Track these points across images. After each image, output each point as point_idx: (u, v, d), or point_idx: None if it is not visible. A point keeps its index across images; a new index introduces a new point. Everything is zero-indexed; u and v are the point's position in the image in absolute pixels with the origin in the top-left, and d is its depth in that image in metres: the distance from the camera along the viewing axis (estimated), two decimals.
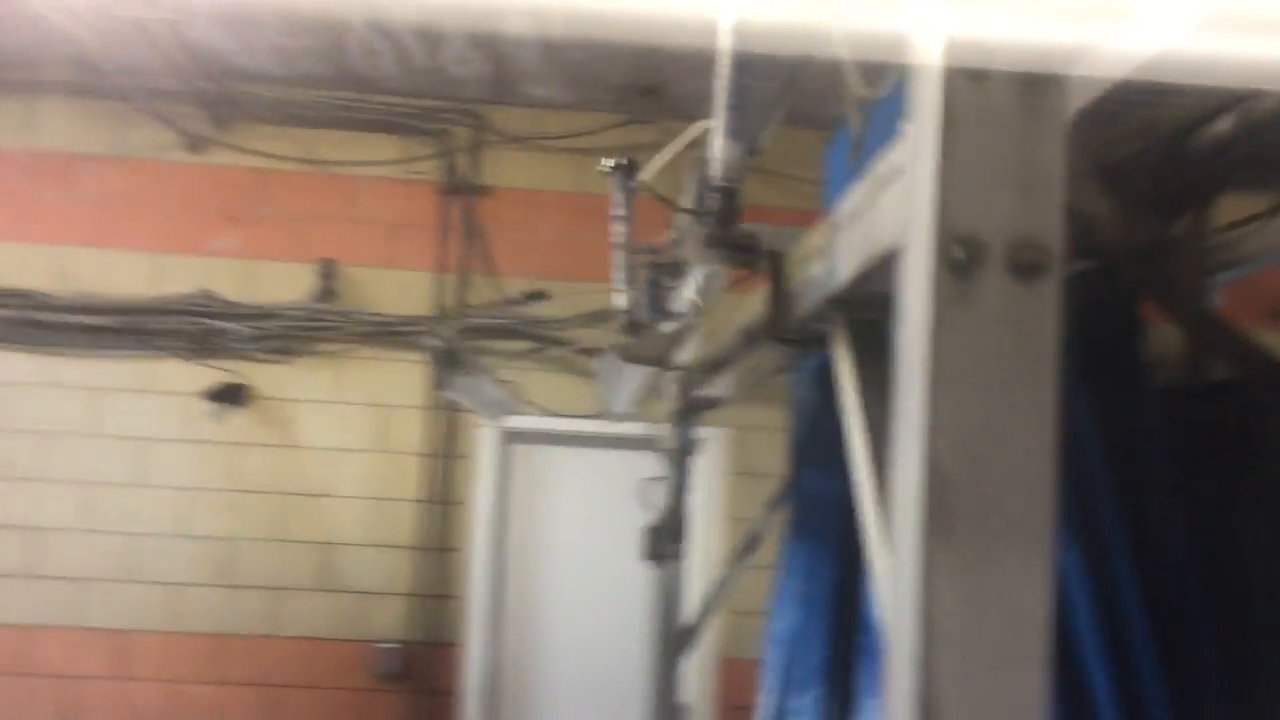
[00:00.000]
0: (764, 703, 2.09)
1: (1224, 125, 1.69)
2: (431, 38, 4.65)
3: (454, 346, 2.19)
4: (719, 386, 2.67)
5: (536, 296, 5.03)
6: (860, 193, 1.10)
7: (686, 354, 3.23)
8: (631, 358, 1.99)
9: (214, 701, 4.99)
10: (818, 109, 3.09)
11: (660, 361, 2.01)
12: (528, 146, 5.36)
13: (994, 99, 0.82)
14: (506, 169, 5.36)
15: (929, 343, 0.82)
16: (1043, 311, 0.82)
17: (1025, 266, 0.81)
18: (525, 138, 5.35)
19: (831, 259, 1.19)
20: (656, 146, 5.14)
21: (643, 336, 2.10)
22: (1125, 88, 1.56)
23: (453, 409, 5.05)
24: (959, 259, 0.81)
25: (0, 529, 5.00)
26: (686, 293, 2.10)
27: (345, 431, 5.15)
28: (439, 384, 2.36)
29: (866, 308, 1.21)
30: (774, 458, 5.04)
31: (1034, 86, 0.83)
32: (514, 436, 5.23)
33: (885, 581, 1.02)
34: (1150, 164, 1.76)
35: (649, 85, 5.08)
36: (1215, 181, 1.82)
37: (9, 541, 4.99)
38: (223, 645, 5.02)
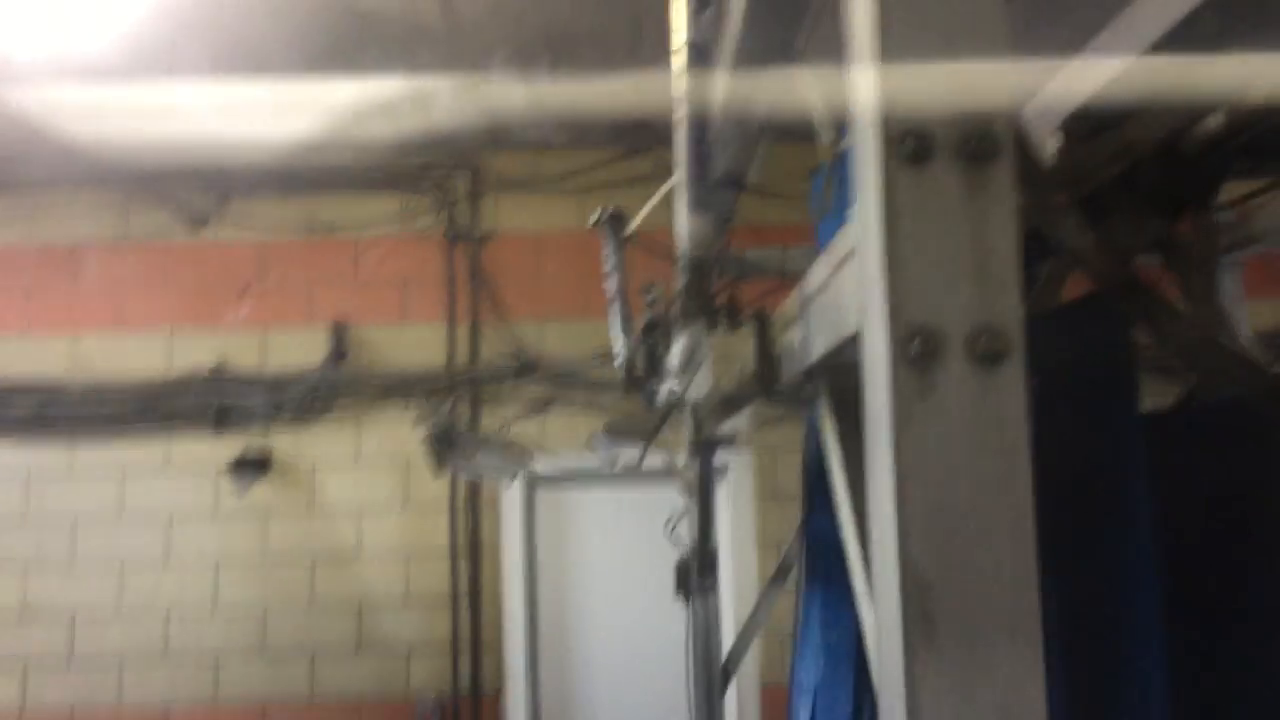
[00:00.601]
0: None
1: (1215, 122, 1.65)
2: (420, 93, 4.66)
3: (447, 427, 2.17)
4: (732, 424, 2.64)
5: (529, 369, 5.07)
6: (823, 269, 1.07)
7: (698, 390, 3.21)
8: (620, 436, 1.97)
9: None
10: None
11: (649, 437, 1.98)
12: (527, 189, 5.37)
13: (937, 183, 0.79)
14: (507, 214, 5.37)
15: (893, 438, 0.79)
16: (1008, 399, 0.79)
17: (986, 355, 0.78)
18: (523, 181, 5.36)
19: (805, 331, 1.16)
20: (654, 178, 5.20)
21: (630, 416, 2.08)
22: (1090, 115, 1.52)
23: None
24: (916, 354, 0.78)
25: (36, 616, 5.03)
26: (675, 354, 2.08)
27: (369, 490, 5.15)
28: (438, 468, 2.35)
29: (845, 375, 1.18)
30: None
31: (978, 164, 0.79)
32: (538, 481, 5.21)
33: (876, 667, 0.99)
34: (1141, 177, 1.72)
35: (641, 117, 5.08)
36: (1212, 177, 1.78)
37: (46, 628, 5.02)
38: (263, 713, 5.01)
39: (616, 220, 2.35)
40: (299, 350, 5.19)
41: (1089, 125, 1.61)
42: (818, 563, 2.09)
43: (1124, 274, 1.39)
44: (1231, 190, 1.91)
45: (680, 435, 3.53)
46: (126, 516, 5.08)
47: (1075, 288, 1.49)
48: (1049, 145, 1.47)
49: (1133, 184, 1.71)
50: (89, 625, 5.03)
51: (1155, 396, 2.20)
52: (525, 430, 4.34)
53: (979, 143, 0.79)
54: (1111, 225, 1.60)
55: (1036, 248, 1.52)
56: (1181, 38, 1.33)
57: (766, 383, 1.42)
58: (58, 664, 5.01)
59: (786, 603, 3.37)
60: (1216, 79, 1.44)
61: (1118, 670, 1.18)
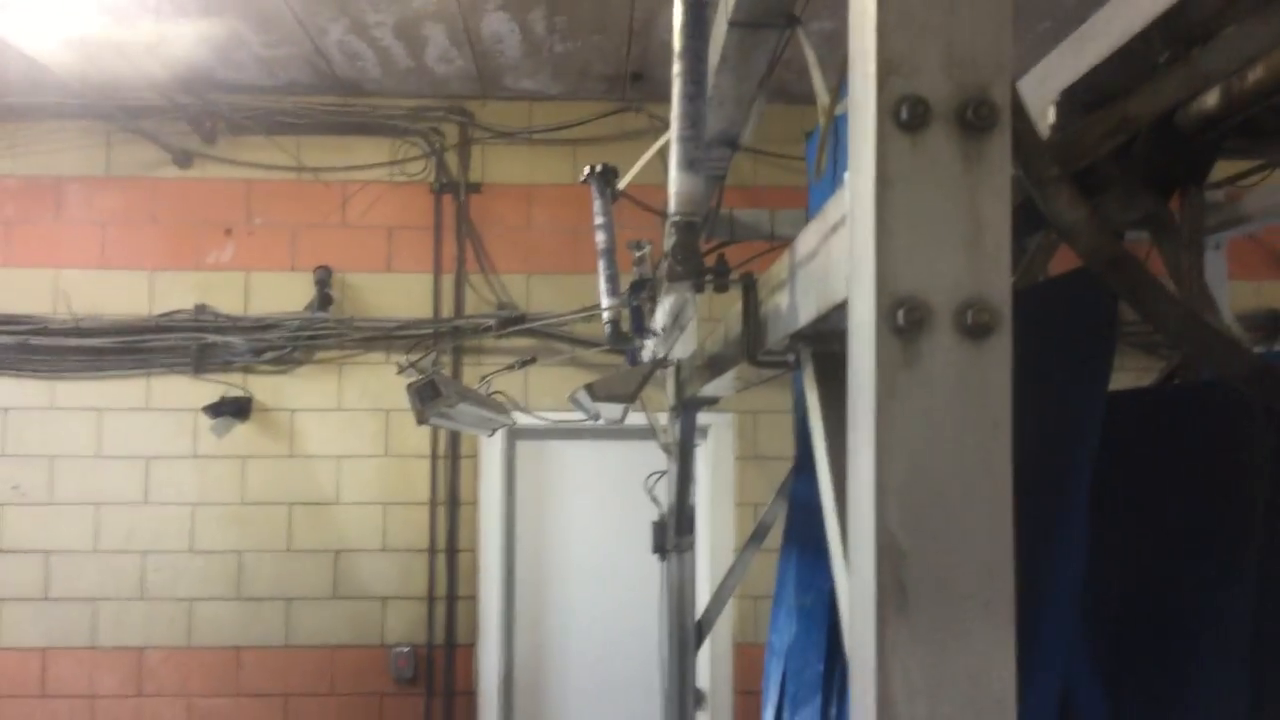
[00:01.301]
0: (765, 717, 2.07)
1: (1211, 100, 1.64)
2: (412, 38, 4.61)
3: (431, 378, 2.16)
4: (716, 387, 2.64)
5: (516, 320, 5.06)
6: (813, 234, 1.06)
7: (682, 350, 3.21)
8: (602, 396, 1.96)
9: (231, 714, 5.01)
10: (810, 85, 3.04)
11: (631, 398, 1.98)
12: (518, 140, 5.32)
13: (932, 153, 0.78)
14: (498, 164, 5.32)
15: (875, 409, 0.79)
16: (994, 373, 0.78)
17: (974, 327, 0.78)
18: (515, 132, 5.31)
19: (792, 295, 1.15)
20: (647, 133, 5.18)
21: (613, 375, 2.07)
22: (1089, 88, 1.51)
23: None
24: (902, 324, 0.77)
25: (12, 553, 5.02)
26: (661, 313, 2.07)
27: (349, 438, 5.14)
28: (420, 419, 2.34)
29: (830, 341, 1.18)
30: (782, 442, 5.04)
31: (975, 135, 0.79)
32: (519, 433, 5.21)
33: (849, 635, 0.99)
34: (1136, 154, 1.71)
35: (636, 71, 5.04)
36: (1206, 155, 1.77)
37: (22, 565, 5.01)
38: (237, 658, 5.03)
39: (607, 175, 2.32)
40: (282, 294, 5.15)
41: (1086, 99, 1.60)
42: (799, 524, 2.10)
43: (1115, 249, 1.38)
44: (1220, 170, 1.90)
45: (663, 394, 3.54)
46: (105, 455, 5.06)
47: (1064, 261, 1.48)
48: (1045, 116, 1.46)
49: (1127, 160, 1.70)
50: (64, 565, 5.02)
51: (1139, 373, 2.21)
52: (508, 383, 4.34)
53: (976, 112, 0.78)
54: (1104, 201, 1.59)
55: (1027, 219, 1.51)
56: (1183, 12, 1.31)
57: (751, 346, 1.42)
58: (32, 603, 5.01)
59: (762, 563, 3.41)
60: (1216, 55, 1.43)
61: (1040, 643, 1.18)
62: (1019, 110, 1.32)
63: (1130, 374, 2.00)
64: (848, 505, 0.85)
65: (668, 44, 4.86)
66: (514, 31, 4.56)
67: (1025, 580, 1.19)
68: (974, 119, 0.78)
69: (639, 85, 5.16)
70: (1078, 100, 1.60)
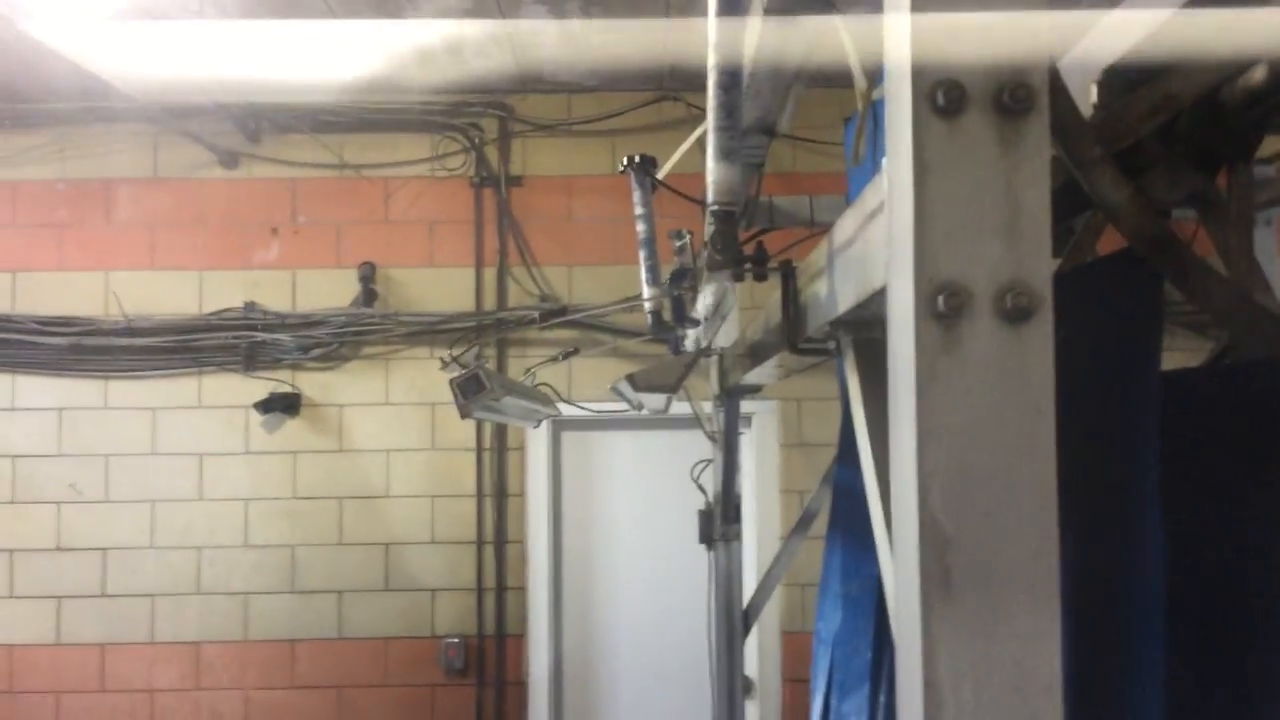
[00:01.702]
0: (813, 705, 2.07)
1: (1257, 75, 1.61)
2: (450, 34, 4.63)
3: (475, 372, 2.18)
4: (758, 375, 2.64)
5: (558, 312, 5.06)
6: (851, 221, 1.06)
7: (724, 339, 3.21)
8: (644, 387, 1.97)
9: (287, 705, 5.10)
10: (847, 69, 3.03)
11: (674, 389, 1.98)
12: (557, 133, 5.33)
13: (969, 138, 0.78)
14: (538, 157, 5.34)
15: (916, 394, 0.79)
16: (1035, 356, 0.78)
17: (1013, 311, 0.77)
18: (554, 124, 5.33)
19: (831, 282, 1.15)
20: (686, 122, 5.17)
21: (655, 365, 2.07)
22: (1130, 67, 1.49)
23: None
24: (942, 309, 0.77)
25: (71, 551, 5.14)
26: (702, 302, 2.08)
27: (397, 432, 5.19)
28: (464, 413, 2.35)
29: (871, 328, 1.17)
30: (826, 429, 5.02)
31: (1011, 119, 0.78)
32: (564, 424, 5.24)
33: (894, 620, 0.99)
34: (1180, 131, 1.68)
35: (674, 61, 5.03)
36: (1252, 131, 1.74)
37: (81, 563, 5.12)
38: (291, 651, 5.12)
39: (646, 165, 2.33)
40: (328, 291, 5.21)
41: (1129, 77, 1.58)
42: (843, 510, 2.09)
43: (1159, 229, 1.36)
44: (1270, 145, 1.87)
45: (706, 383, 3.54)
46: (158, 453, 5.16)
47: (1111, 242, 1.46)
48: (1087, 96, 1.44)
49: (1171, 138, 1.67)
50: (121, 561, 5.13)
51: (1188, 353, 2.18)
52: (552, 375, 4.36)
53: (1013, 96, 0.78)
54: (1148, 180, 1.57)
55: (1072, 200, 1.49)
56: None
57: (791, 334, 1.42)
58: (91, 600, 5.12)
59: (808, 551, 3.40)
60: (1260, 31, 1.40)
61: (1114, 638, 1.17)
62: (1060, 91, 1.31)
63: (1180, 355, 1.97)
64: (891, 491, 0.85)
65: (704, 33, 4.85)
66: (551, 24, 4.56)
67: (1105, 584, 1.17)
68: (1010, 103, 0.77)
69: (676, 74, 5.15)
70: (1121, 78, 1.58)
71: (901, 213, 0.80)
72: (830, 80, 4.50)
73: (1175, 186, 1.62)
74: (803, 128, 4.87)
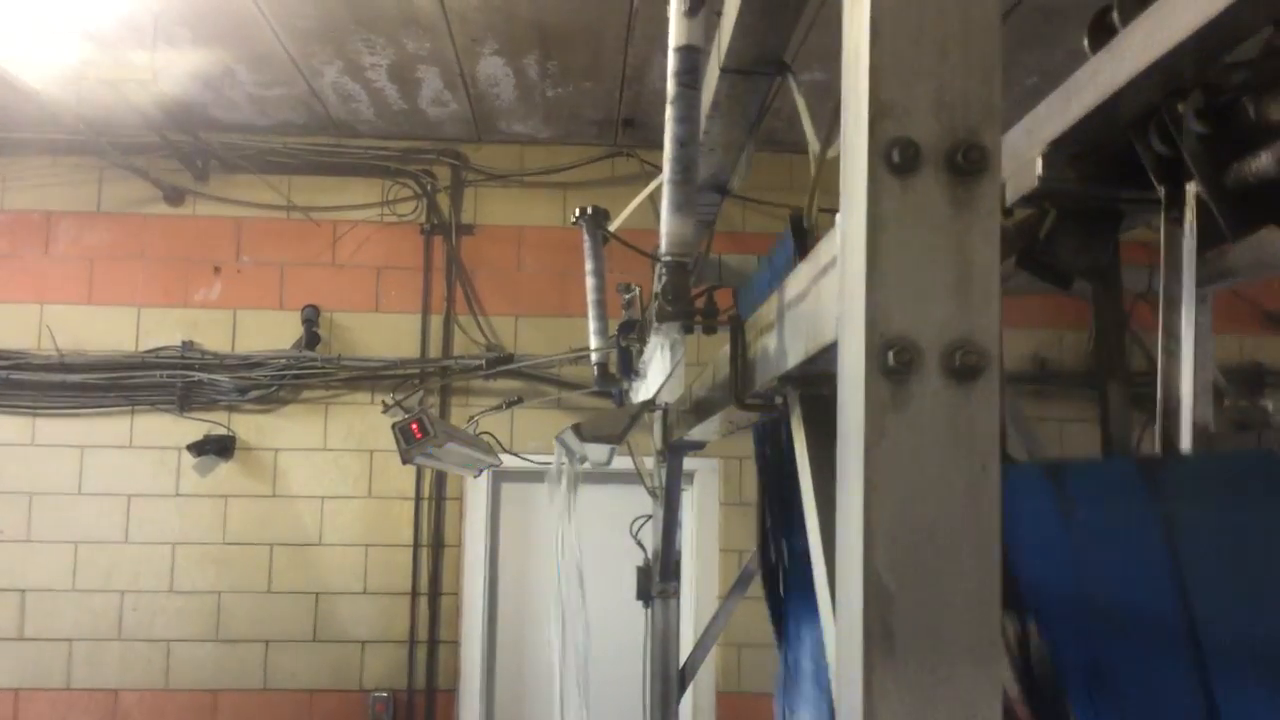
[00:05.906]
0: None
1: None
2: (407, 81, 4.64)
3: (418, 416, 2.15)
4: (702, 430, 2.63)
5: (504, 360, 5.05)
6: (804, 275, 1.06)
7: (669, 394, 3.20)
8: (590, 437, 1.96)
9: None
10: (798, 133, 3.08)
11: (619, 439, 1.97)
12: (509, 183, 5.35)
13: (923, 196, 0.78)
14: (489, 207, 5.35)
15: (864, 450, 0.78)
16: (982, 415, 0.78)
17: (962, 369, 0.78)
18: (506, 175, 5.34)
19: (781, 337, 1.15)
20: (638, 178, 5.21)
21: (600, 416, 2.06)
22: (1078, 139, 1.52)
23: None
24: (892, 365, 0.77)
25: None
26: (649, 355, 2.07)
27: (333, 478, 5.11)
28: (405, 458, 2.32)
29: (818, 384, 1.18)
30: None
31: (964, 179, 0.79)
32: (505, 475, 5.18)
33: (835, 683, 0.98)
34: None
35: (628, 117, 5.08)
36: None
37: None
38: (214, 701, 4.96)
39: (598, 218, 2.33)
40: (270, 332, 5.14)
41: (1074, 149, 1.62)
42: (801, 580, 2.07)
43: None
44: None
45: (649, 438, 3.53)
46: (85, 493, 5.01)
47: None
48: (1034, 167, 1.47)
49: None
50: (40, 604, 4.95)
51: None
52: (495, 424, 4.31)
53: (966, 156, 0.79)
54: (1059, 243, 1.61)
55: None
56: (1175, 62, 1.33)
57: (738, 389, 1.41)
58: (6, 642, 4.93)
59: (746, 611, 3.38)
60: None
61: None
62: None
63: None
64: (836, 548, 0.85)
65: (659, 91, 4.91)
66: (508, 76, 4.60)
67: None
68: (964, 163, 0.78)
69: (630, 131, 5.20)
70: (1065, 151, 1.62)
71: (854, 267, 0.81)
72: (781, 144, 4.59)
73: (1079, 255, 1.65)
74: (754, 188, 4.94)
